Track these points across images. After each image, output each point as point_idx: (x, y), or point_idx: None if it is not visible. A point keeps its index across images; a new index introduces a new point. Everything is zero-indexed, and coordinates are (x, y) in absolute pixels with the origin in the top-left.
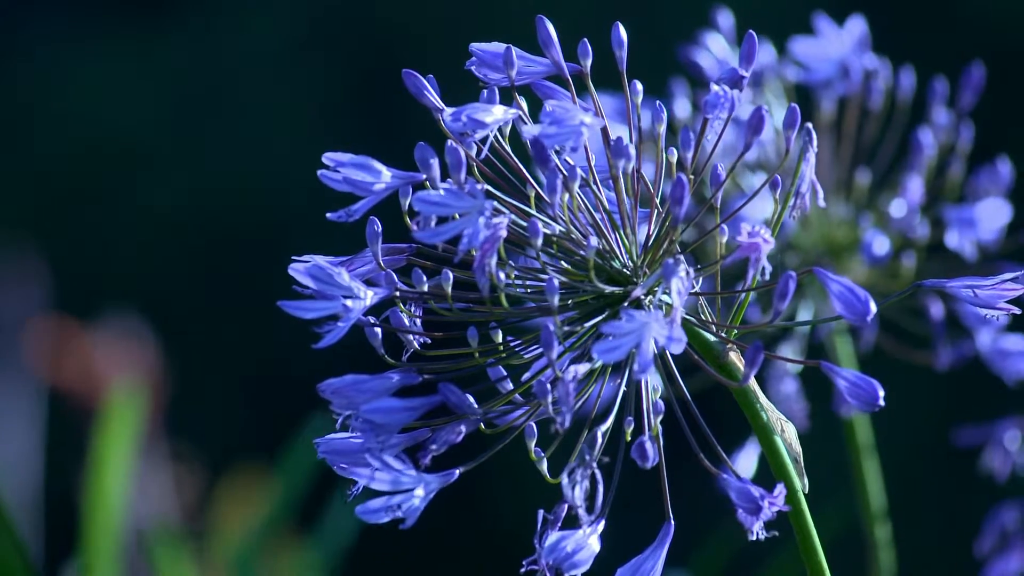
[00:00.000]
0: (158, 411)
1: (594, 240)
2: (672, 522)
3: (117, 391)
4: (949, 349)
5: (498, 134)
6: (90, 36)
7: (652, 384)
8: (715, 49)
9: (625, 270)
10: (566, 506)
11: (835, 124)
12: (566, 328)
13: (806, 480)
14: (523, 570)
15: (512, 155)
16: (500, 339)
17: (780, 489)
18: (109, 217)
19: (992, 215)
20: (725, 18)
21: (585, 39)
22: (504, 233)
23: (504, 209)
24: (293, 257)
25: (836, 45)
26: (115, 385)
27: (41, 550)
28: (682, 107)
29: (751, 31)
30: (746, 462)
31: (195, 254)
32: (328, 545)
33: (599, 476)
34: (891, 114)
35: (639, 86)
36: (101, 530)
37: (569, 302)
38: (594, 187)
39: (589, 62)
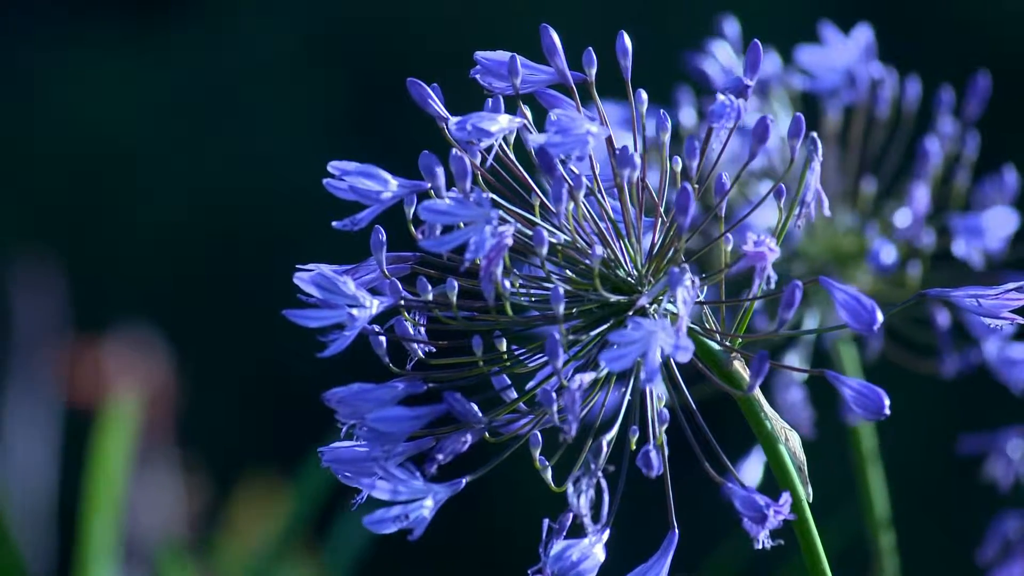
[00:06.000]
0: (168, 420)
1: (599, 249)
2: (676, 531)
3: (115, 399)
4: (955, 358)
5: (503, 143)
6: (91, 45)
7: (657, 393)
8: (721, 57)
9: (630, 279)
10: (571, 515)
11: (841, 133)
12: (571, 337)
13: (810, 489)
14: None
15: (517, 164)
16: (505, 348)
17: (786, 498)
18: (115, 227)
19: (998, 224)
20: (731, 26)
21: (590, 48)
22: (510, 242)
23: (509, 218)
24: (297, 266)
25: (842, 54)
26: (113, 395)
27: (53, 560)
28: (687, 116)
29: (756, 40)
30: (751, 471)
31: (201, 263)
32: (340, 556)
33: (604, 485)
34: (897, 123)
35: (644, 95)
36: (99, 539)
37: (574, 311)
38: (599, 196)
39: (594, 71)
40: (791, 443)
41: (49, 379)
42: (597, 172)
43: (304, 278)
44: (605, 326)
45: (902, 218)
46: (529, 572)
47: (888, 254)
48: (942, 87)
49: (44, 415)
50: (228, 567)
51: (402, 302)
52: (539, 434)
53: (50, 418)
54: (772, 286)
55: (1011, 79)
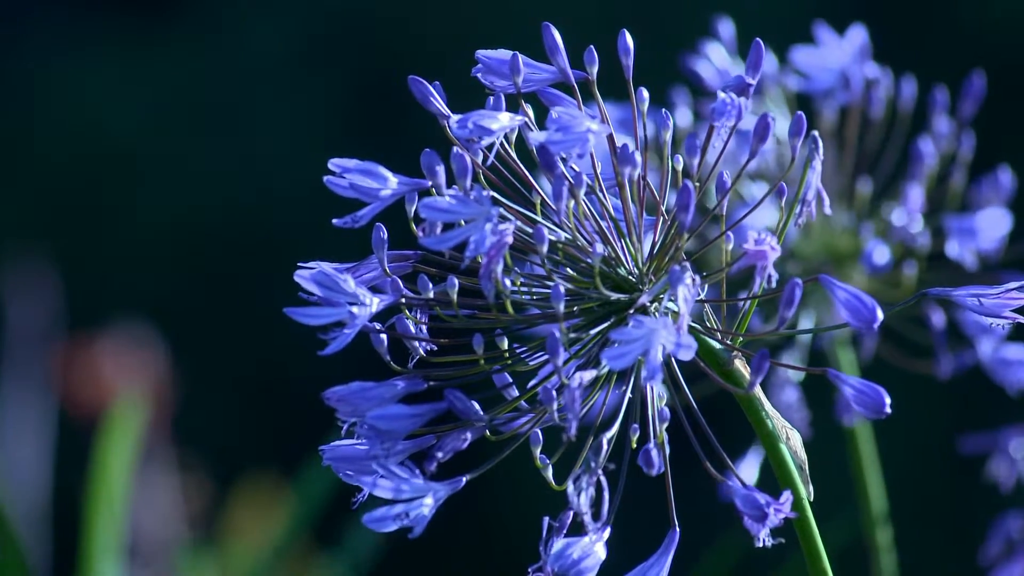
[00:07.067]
0: (165, 420)
1: (600, 247)
2: (677, 529)
3: (120, 401)
4: (950, 358)
5: (504, 141)
6: (91, 46)
7: (657, 391)
8: (715, 58)
9: (631, 277)
10: (572, 513)
11: (836, 133)
12: (572, 335)
13: (811, 487)
14: None
15: (518, 162)
16: (506, 346)
17: (787, 496)
18: (114, 227)
19: (993, 224)
20: (726, 27)
21: (592, 46)
22: (510, 240)
23: (510, 216)
24: (299, 264)
25: (837, 54)
26: (119, 395)
27: (49, 560)
28: (683, 116)
29: (758, 39)
30: (748, 470)
31: (201, 263)
32: (350, 558)
33: (605, 483)
34: (892, 123)
35: (645, 94)
36: (102, 539)
37: (575, 309)
38: (600, 194)
39: (595, 69)
40: (792, 442)
41: (45, 379)
42: (598, 170)
43: (305, 276)
44: (606, 324)
45: (898, 218)
46: (530, 570)
47: (881, 255)
48: (937, 87)
49: (39, 415)
50: (229, 567)
51: (403, 300)
52: (540, 432)
53: (45, 418)
54: (773, 284)
55: (1005, 79)
